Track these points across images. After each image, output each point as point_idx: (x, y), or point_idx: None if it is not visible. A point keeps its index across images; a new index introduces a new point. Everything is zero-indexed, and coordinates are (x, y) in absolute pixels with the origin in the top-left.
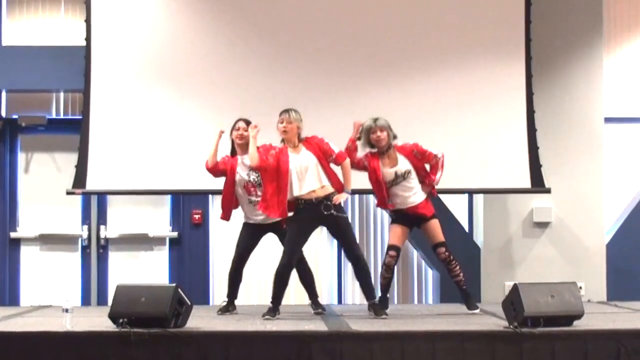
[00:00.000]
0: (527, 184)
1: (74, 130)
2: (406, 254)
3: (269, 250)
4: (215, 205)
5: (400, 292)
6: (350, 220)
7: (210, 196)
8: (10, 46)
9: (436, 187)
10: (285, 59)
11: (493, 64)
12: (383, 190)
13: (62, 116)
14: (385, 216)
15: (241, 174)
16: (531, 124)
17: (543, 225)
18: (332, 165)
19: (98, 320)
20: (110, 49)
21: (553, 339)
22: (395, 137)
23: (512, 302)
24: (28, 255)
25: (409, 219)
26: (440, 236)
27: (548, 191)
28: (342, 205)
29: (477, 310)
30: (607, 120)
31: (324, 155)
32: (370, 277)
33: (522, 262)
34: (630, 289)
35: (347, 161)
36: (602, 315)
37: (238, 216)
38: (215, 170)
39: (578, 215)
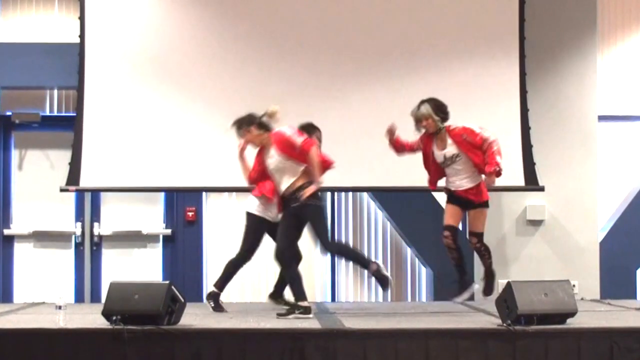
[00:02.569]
0: (520, 182)
1: (67, 128)
2: (400, 251)
3: (263, 249)
4: (208, 202)
5: (393, 290)
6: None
7: (203, 194)
8: (4, 43)
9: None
10: (282, 55)
11: (487, 62)
12: (431, 172)
13: (56, 113)
14: (380, 215)
15: None
16: (525, 122)
17: (536, 223)
18: None
19: (91, 318)
20: (104, 47)
21: (546, 337)
22: (444, 119)
23: (506, 300)
24: (21, 252)
25: (460, 201)
26: (477, 226)
27: (542, 189)
28: (319, 195)
29: (476, 286)
30: (601, 118)
31: (290, 149)
32: (351, 256)
33: (516, 260)
34: (623, 287)
35: (312, 151)
36: (595, 313)
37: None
38: (256, 182)
39: (572, 213)
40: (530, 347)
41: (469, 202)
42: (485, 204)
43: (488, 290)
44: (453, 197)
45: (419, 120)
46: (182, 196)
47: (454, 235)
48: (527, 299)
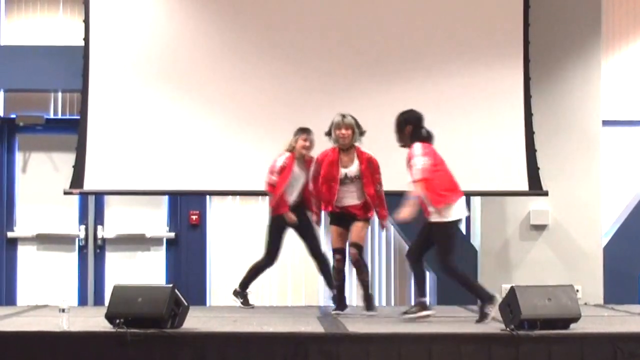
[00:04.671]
0: (524, 186)
1: (71, 130)
2: (403, 255)
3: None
4: (212, 205)
5: (397, 294)
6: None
7: (207, 197)
8: (9, 45)
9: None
10: (285, 59)
11: (491, 66)
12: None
13: (60, 116)
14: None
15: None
16: (529, 126)
17: (540, 228)
18: None
19: (95, 321)
20: (109, 49)
21: (550, 341)
22: (361, 134)
23: (509, 304)
24: (25, 255)
25: (344, 219)
26: (360, 237)
27: (545, 194)
28: None
29: (375, 313)
30: (605, 123)
31: None
32: None
33: (519, 265)
34: (627, 292)
35: None
36: (598, 319)
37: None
38: None
39: (575, 218)
40: (534, 352)
41: (352, 216)
42: (368, 220)
43: (370, 305)
44: (338, 217)
45: (344, 127)
46: (186, 199)
47: (345, 258)
48: (530, 304)
